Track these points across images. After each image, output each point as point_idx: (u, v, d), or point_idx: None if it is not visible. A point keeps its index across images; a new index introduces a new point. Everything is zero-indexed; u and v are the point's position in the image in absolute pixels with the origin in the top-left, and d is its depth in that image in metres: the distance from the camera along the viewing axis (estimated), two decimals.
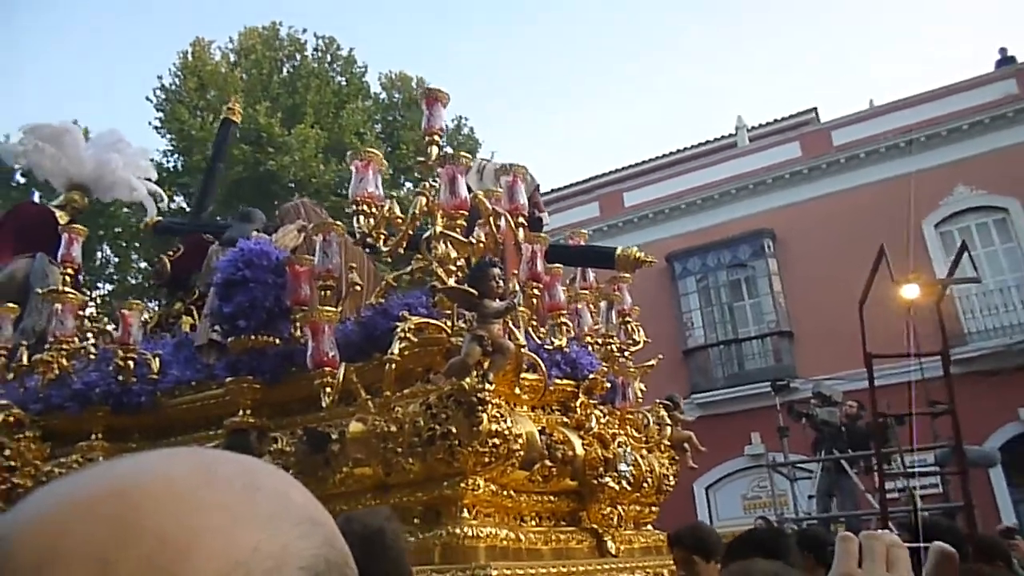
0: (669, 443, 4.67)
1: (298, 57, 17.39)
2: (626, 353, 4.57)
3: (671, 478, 4.58)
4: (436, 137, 3.82)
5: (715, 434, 15.25)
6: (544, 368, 3.68)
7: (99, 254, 16.94)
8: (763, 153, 16.92)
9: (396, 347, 3.26)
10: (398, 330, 3.31)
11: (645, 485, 4.30)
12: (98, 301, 16.37)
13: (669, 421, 4.69)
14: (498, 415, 3.24)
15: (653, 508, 4.64)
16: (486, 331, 3.18)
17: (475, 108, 57.95)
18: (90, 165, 6.04)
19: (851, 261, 14.07)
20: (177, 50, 17.44)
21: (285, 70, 17.27)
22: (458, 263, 3.52)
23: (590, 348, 4.37)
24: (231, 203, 15.96)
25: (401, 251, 3.90)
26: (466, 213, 3.50)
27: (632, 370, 4.46)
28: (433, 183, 3.69)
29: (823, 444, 10.19)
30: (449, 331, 3.40)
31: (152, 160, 16.55)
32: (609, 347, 4.45)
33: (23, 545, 0.36)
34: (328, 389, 3.41)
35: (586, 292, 4.68)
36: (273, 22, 17.48)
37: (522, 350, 3.37)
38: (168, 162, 16.83)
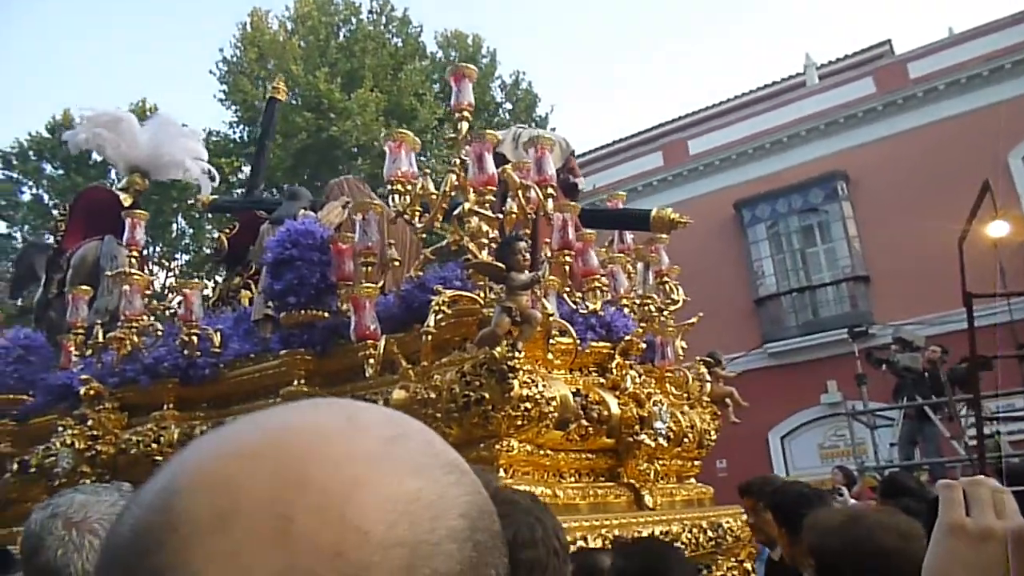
0: (710, 399, 4.80)
1: (354, 21, 17.66)
2: (665, 313, 4.68)
3: (712, 433, 4.73)
4: (465, 113, 3.97)
5: (789, 383, 15.25)
6: (575, 333, 3.85)
7: (175, 227, 17.80)
8: (834, 91, 16.40)
9: (432, 320, 3.51)
10: (433, 303, 3.53)
11: (686, 440, 4.47)
12: (176, 271, 17.27)
13: (709, 377, 4.81)
14: (529, 380, 3.46)
15: (695, 462, 4.80)
16: (514, 302, 3.39)
17: (533, 61, 57.19)
18: (146, 149, 6.48)
19: (931, 200, 13.67)
20: (236, 22, 17.90)
21: (342, 35, 17.58)
22: (489, 236, 3.70)
23: (627, 310, 4.51)
24: (297, 171, 16.50)
25: (437, 224, 4.12)
26: (495, 188, 3.67)
27: (671, 329, 4.59)
28: (463, 158, 3.86)
29: (904, 391, 10.10)
30: (482, 302, 3.60)
31: (218, 132, 17.18)
32: (647, 308, 4.58)
33: (199, 500, 0.37)
34: (371, 360, 3.67)
35: (621, 255, 4.79)
36: None
37: (551, 318, 3.55)
38: (234, 133, 17.45)
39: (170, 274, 17.33)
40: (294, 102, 16.57)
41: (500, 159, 4.72)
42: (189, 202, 16.37)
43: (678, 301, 4.80)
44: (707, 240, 16.37)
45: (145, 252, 16.69)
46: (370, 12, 17.82)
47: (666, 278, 4.82)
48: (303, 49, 16.87)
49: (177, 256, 18.22)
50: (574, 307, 4.18)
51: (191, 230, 17.92)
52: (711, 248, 16.25)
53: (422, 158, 16.37)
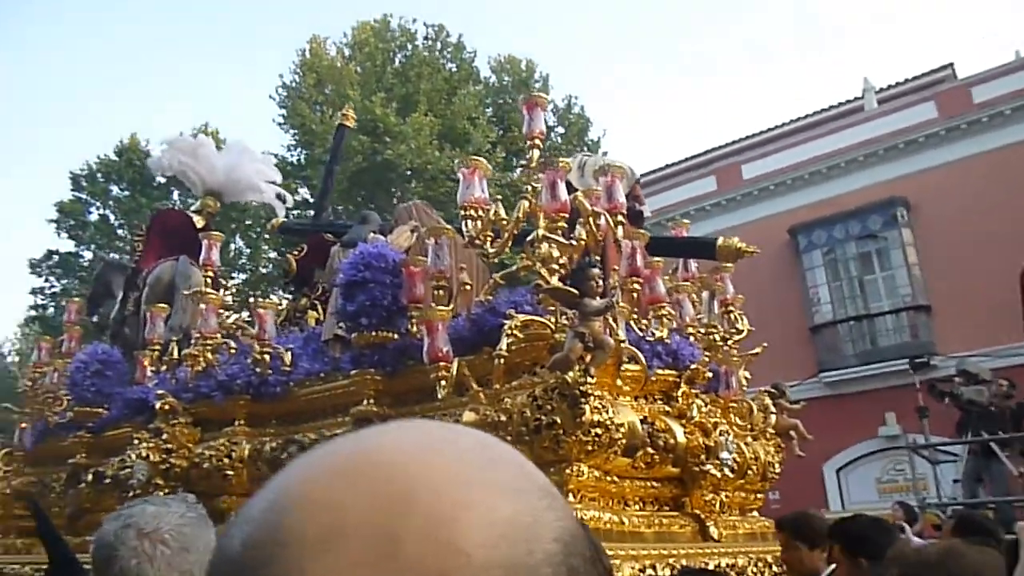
0: (774, 431, 4.78)
1: (409, 47, 18.04)
2: (729, 342, 4.69)
3: (776, 466, 4.70)
4: (537, 141, 4.07)
5: (846, 414, 14.93)
6: (644, 360, 3.89)
7: (232, 246, 18.27)
8: (894, 116, 16.15)
9: (504, 343, 3.60)
10: (506, 327, 3.62)
11: (750, 472, 4.46)
12: (233, 290, 17.70)
13: (774, 409, 4.79)
14: (600, 406, 3.51)
15: (758, 495, 4.78)
16: (587, 328, 3.45)
17: (585, 85, 57.41)
18: (221, 173, 6.77)
19: (996, 228, 13.36)
20: (296, 48, 18.45)
21: (397, 60, 17.96)
22: (560, 262, 3.77)
23: (692, 338, 4.53)
24: (352, 193, 16.85)
25: (507, 250, 4.21)
26: (566, 215, 3.74)
27: (736, 359, 4.60)
28: (535, 185, 3.95)
29: (969, 425, 9.77)
30: (553, 327, 3.67)
31: (276, 155, 17.67)
32: (712, 337, 4.60)
33: (305, 518, 0.38)
34: (443, 382, 3.76)
35: (687, 283, 4.83)
36: (384, 15, 18.22)
37: (622, 344, 3.60)
38: (292, 156, 17.90)
39: (227, 293, 17.77)
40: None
41: (566, 187, 4.81)
42: (247, 223, 16.85)
43: (742, 330, 4.81)
44: (761, 266, 16.15)
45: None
46: (425, 38, 18.21)
47: (731, 307, 4.83)
48: (360, 75, 17.28)
49: (234, 275, 18.69)
50: (641, 334, 4.22)
51: (248, 250, 18.39)
52: (765, 274, 16.07)
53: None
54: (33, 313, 19.75)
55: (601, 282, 3.56)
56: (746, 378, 4.87)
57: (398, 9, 18.31)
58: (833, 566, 3.22)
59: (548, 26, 55.53)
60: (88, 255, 18.45)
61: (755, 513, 4.83)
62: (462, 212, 3.96)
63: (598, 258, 4.11)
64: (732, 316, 4.82)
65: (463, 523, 0.38)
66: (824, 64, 56.88)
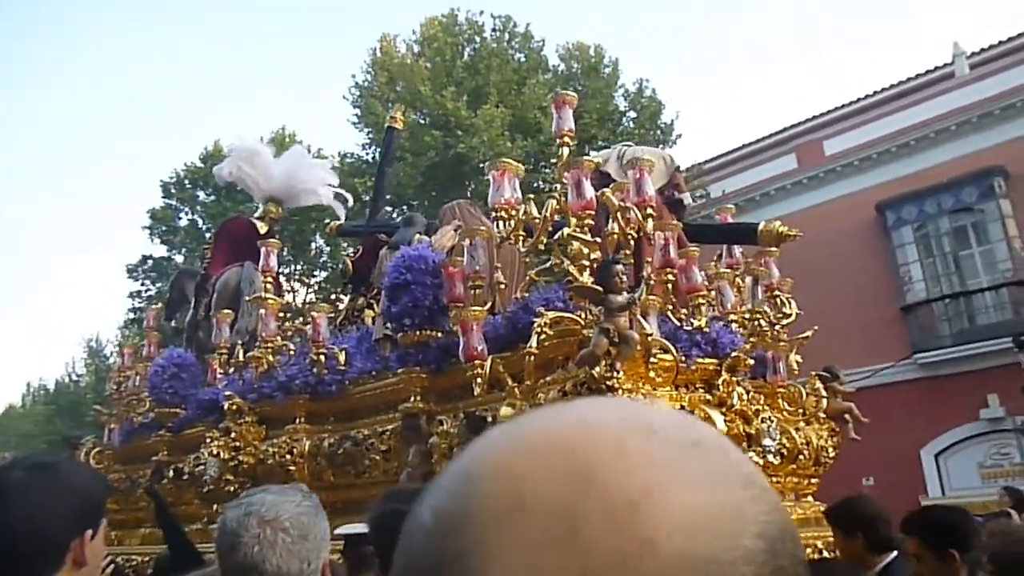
0: (827, 415, 4.73)
1: (477, 40, 18.20)
2: (777, 327, 4.67)
3: (830, 450, 4.66)
4: (567, 139, 4.16)
5: (943, 397, 14.38)
6: (680, 349, 3.94)
7: (314, 245, 18.94)
8: (988, 81, 15.36)
9: (534, 341, 3.73)
10: (536, 325, 3.75)
11: (801, 457, 4.44)
12: (316, 288, 18.38)
13: (826, 393, 4.74)
14: (629, 398, 3.58)
15: (812, 480, 4.75)
16: (612, 324, 3.55)
17: (657, 67, 56.38)
18: (280, 180, 7.12)
19: None
20: (367, 48, 18.92)
21: (466, 54, 18.16)
22: (590, 258, 3.86)
23: (735, 326, 4.54)
24: (427, 188, 17.19)
25: (542, 246, 4.33)
26: (592, 212, 3.83)
27: (784, 344, 4.58)
28: (564, 183, 4.05)
29: None
30: (582, 323, 3.77)
31: (351, 154, 18.13)
32: (757, 323, 4.59)
33: (491, 491, 0.38)
34: (479, 380, 3.92)
35: (728, 271, 4.82)
36: (451, 9, 18.41)
37: (649, 337, 3.67)
38: (366, 154, 18.38)
39: (310, 291, 18.48)
40: (422, 121, 17.28)
41: (606, 178, 4.89)
42: (325, 222, 17.45)
43: (790, 315, 4.77)
44: (846, 245, 15.74)
45: (287, 270, 17.85)
46: (493, 30, 18.33)
47: (777, 292, 4.80)
48: (430, 70, 17.57)
49: (316, 273, 19.39)
50: (678, 324, 4.27)
51: (328, 248, 19.02)
52: (850, 253, 15.60)
53: (547, 170, 16.68)
54: (131, 316, 21.05)
55: (625, 278, 3.63)
56: (798, 362, 4.83)
57: (465, 3, 18.45)
58: (892, 556, 3.14)
59: (616, 9, 54.80)
60: (179, 259, 19.51)
61: (810, 498, 4.80)
62: (494, 213, 4.11)
63: (628, 252, 4.17)
64: (778, 301, 4.79)
65: (650, 509, 0.36)
66: (910, 31, 54.10)
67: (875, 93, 17.58)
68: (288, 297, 18.94)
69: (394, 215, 18.64)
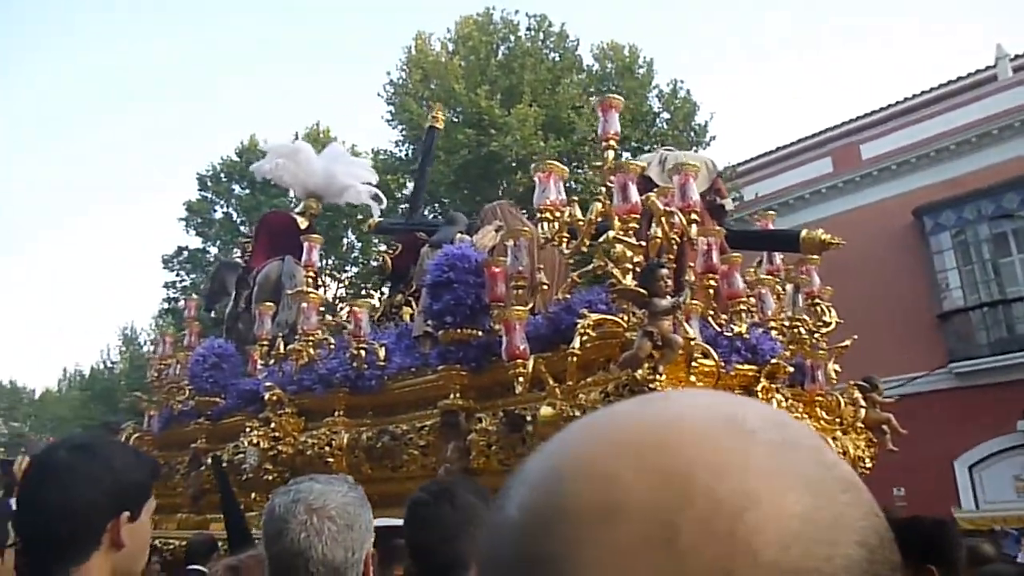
0: (864, 425, 4.72)
1: (512, 39, 18.25)
2: (816, 335, 4.67)
3: (867, 460, 4.66)
4: (612, 142, 4.20)
5: (979, 407, 14.17)
6: (720, 355, 3.96)
7: (345, 240, 19.12)
8: None
9: (577, 342, 3.76)
10: (579, 326, 3.79)
11: None
12: (346, 283, 18.56)
13: (864, 403, 4.73)
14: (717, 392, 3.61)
15: None
16: (656, 327, 3.58)
17: (692, 67, 55.99)
18: (320, 176, 7.24)
19: None
20: (402, 46, 19.06)
21: (500, 52, 18.22)
22: (633, 261, 3.90)
23: (774, 333, 4.55)
24: (459, 185, 17.27)
25: (584, 248, 4.36)
26: (638, 216, 3.86)
27: (823, 352, 4.58)
28: (609, 186, 4.09)
29: None
30: (625, 326, 3.81)
31: (384, 151, 18.29)
32: (796, 330, 4.60)
33: (584, 490, 0.37)
34: (521, 378, 3.97)
35: (769, 277, 4.83)
36: (487, 8, 18.48)
37: (692, 341, 3.70)
38: (400, 151, 18.52)
39: (340, 285, 18.65)
40: (456, 120, 17.36)
41: (647, 183, 4.91)
42: (358, 218, 17.59)
43: (830, 323, 4.77)
44: (881, 250, 15.56)
45: (319, 264, 18.05)
46: (528, 29, 18.36)
47: (817, 299, 4.80)
48: (464, 68, 17.64)
49: (347, 268, 19.56)
50: (719, 330, 4.29)
51: (360, 244, 19.20)
52: (886, 259, 15.42)
53: (579, 170, 16.69)
54: (166, 306, 21.42)
55: (670, 282, 3.66)
56: (836, 371, 4.83)
57: (500, 2, 18.50)
58: None
59: (651, 9, 54.49)
60: (214, 251, 19.81)
61: None
62: (539, 215, 4.15)
63: (672, 256, 4.20)
64: (819, 309, 4.79)
65: (751, 516, 0.35)
66: (952, 32, 53.17)
67: (914, 96, 17.36)
68: (320, 291, 19.18)
69: (426, 213, 18.80)
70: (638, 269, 3.87)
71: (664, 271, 3.63)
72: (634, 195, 3.87)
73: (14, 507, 3.03)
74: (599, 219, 4.12)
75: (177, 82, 68.04)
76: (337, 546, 1.48)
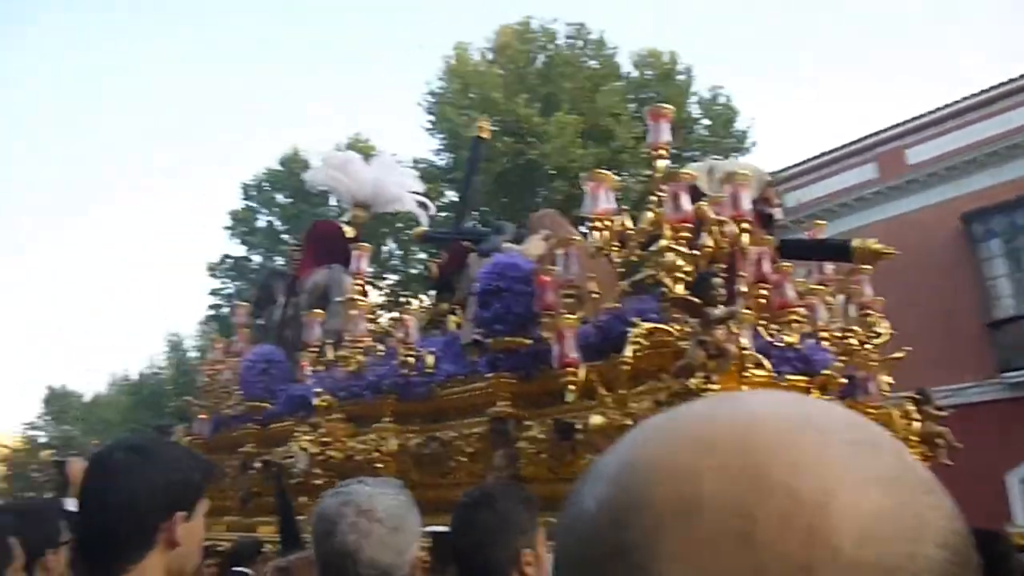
0: (918, 438, 4.65)
1: (551, 47, 18.37)
2: (868, 346, 4.62)
3: None
4: (662, 151, 4.21)
5: None
6: (772, 366, 3.95)
7: (384, 248, 19.32)
8: None
9: (628, 351, 3.78)
10: (631, 335, 3.80)
11: None
12: (387, 291, 18.74)
13: (918, 416, 4.66)
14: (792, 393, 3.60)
15: None
16: (709, 336, 3.57)
17: (732, 72, 55.55)
18: (369, 186, 7.38)
19: None
20: (441, 56, 19.26)
21: (539, 61, 18.34)
22: (684, 271, 3.90)
23: (826, 344, 4.51)
24: (498, 194, 17.37)
25: (635, 258, 4.38)
26: (690, 225, 3.87)
27: (874, 363, 4.53)
28: (660, 195, 4.10)
29: None
30: (677, 335, 3.81)
31: (424, 160, 18.46)
32: (848, 341, 4.56)
33: (663, 485, 0.37)
34: (571, 387, 3.99)
35: (820, 287, 4.79)
36: (525, 17, 18.63)
37: (745, 351, 3.69)
38: (440, 160, 18.68)
39: (380, 293, 18.85)
40: (495, 128, 17.48)
41: (695, 192, 4.91)
42: (397, 226, 17.76)
43: (882, 334, 4.72)
44: (928, 257, 15.28)
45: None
46: (567, 37, 18.47)
47: (869, 310, 4.75)
48: (503, 77, 17.78)
49: (387, 276, 19.77)
50: (770, 340, 4.27)
51: (400, 252, 19.40)
52: (932, 266, 15.15)
53: (617, 177, 16.67)
54: (211, 313, 21.84)
55: (723, 291, 3.66)
56: (889, 384, 4.78)
57: (539, 10, 18.65)
58: None
59: (690, 15, 54.20)
60: (257, 258, 20.17)
61: None
62: (588, 224, 4.18)
63: (723, 266, 4.19)
64: (871, 319, 4.74)
65: (829, 512, 0.35)
66: (1000, 33, 52.03)
67: (962, 99, 17.03)
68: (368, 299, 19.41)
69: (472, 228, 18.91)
70: (689, 279, 3.88)
71: (717, 280, 3.63)
72: (686, 204, 3.88)
73: (68, 507, 3.13)
74: (651, 228, 4.13)
75: (224, 94, 69.42)
76: (385, 548, 1.50)
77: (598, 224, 4.13)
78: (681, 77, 17.98)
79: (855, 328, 4.72)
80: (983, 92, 17.18)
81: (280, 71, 68.28)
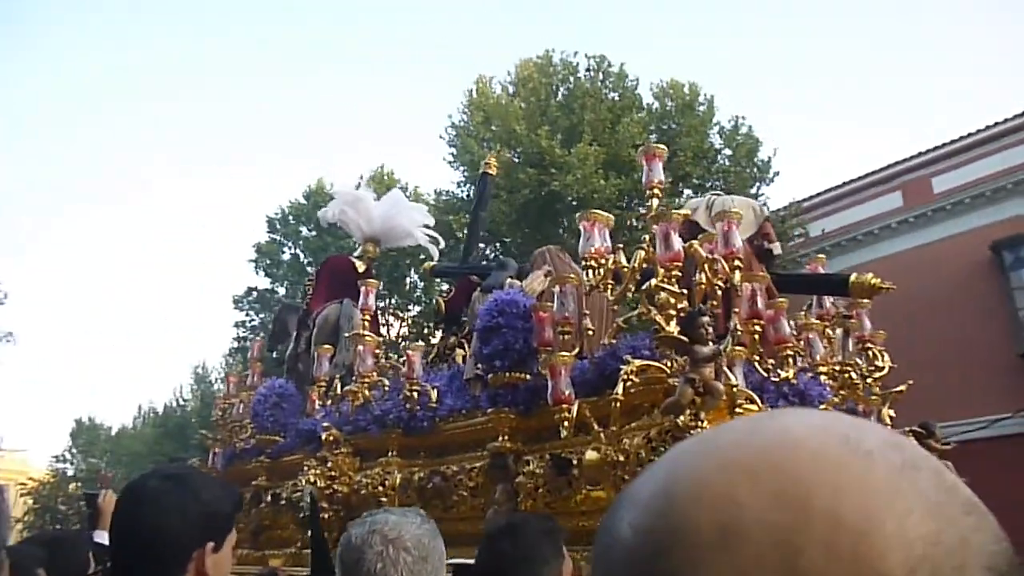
0: None
1: (572, 80, 18.58)
2: (868, 380, 4.64)
3: None
4: (656, 190, 4.31)
5: None
6: (760, 401, 4.00)
7: (408, 280, 19.53)
8: None
9: (620, 388, 3.85)
10: (623, 372, 3.88)
11: None
12: (409, 322, 18.90)
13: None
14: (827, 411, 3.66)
15: None
16: (697, 374, 3.65)
17: (754, 103, 55.58)
18: (379, 222, 7.59)
19: None
20: (463, 89, 19.58)
21: (560, 94, 18.55)
22: (677, 308, 3.98)
23: (824, 378, 4.54)
24: (520, 224, 17.53)
25: (629, 296, 4.46)
26: (680, 264, 3.95)
27: (875, 397, 4.54)
28: (653, 234, 4.18)
29: None
30: (668, 372, 3.88)
31: (446, 191, 18.68)
32: (847, 375, 4.58)
33: (699, 512, 0.37)
34: (566, 423, 4.07)
35: (818, 322, 4.83)
36: (546, 50, 18.92)
37: (734, 388, 3.74)
38: (461, 192, 18.91)
39: (403, 324, 19.02)
40: (517, 160, 17.69)
41: (694, 228, 5.00)
42: (420, 258, 17.99)
43: (883, 368, 4.74)
44: (955, 287, 15.14)
45: (382, 304, 18.46)
46: (587, 70, 18.65)
47: (869, 344, 4.78)
48: (524, 109, 17.99)
49: (410, 307, 19.95)
50: (765, 375, 4.31)
51: (422, 283, 19.59)
52: (959, 296, 14.98)
53: (641, 207, 16.76)
54: (236, 345, 22.18)
55: (711, 329, 3.72)
56: (891, 416, 4.78)
57: (560, 44, 18.91)
58: None
59: (711, 46, 54.45)
60: (281, 291, 20.50)
61: None
62: (584, 262, 4.28)
63: (715, 304, 4.25)
64: (871, 353, 4.76)
65: (874, 538, 0.34)
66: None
67: (989, 127, 16.93)
68: (383, 330, 19.63)
69: (487, 252, 19.08)
70: (681, 316, 3.95)
71: (705, 319, 3.70)
72: (676, 243, 3.96)
73: (97, 540, 3.23)
74: (644, 266, 4.21)
75: (251, 130, 70.87)
76: None
77: (592, 263, 4.23)
78: (702, 108, 18.07)
79: (855, 361, 4.74)
80: (1010, 119, 17.07)
81: (306, 105, 69.75)
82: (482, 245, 19.33)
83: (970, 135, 17.13)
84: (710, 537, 0.36)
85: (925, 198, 16.62)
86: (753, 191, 17.56)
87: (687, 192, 17.95)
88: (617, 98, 18.34)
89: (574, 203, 17.18)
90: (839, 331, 4.91)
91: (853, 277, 4.63)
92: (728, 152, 17.83)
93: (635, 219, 15.86)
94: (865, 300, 4.75)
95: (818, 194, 18.72)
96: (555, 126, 17.70)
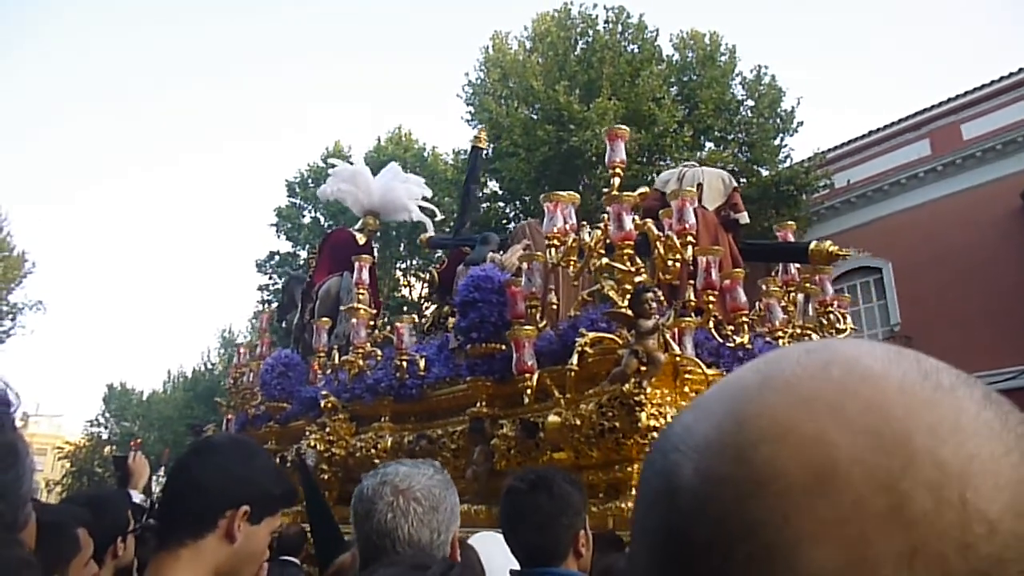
0: None
1: (590, 33, 18.64)
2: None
3: None
4: (618, 170, 4.70)
5: None
6: (715, 367, 4.43)
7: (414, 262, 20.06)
8: None
9: (575, 358, 4.30)
10: (577, 344, 4.33)
11: None
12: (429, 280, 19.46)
13: None
14: (658, 412, 4.13)
15: None
16: (641, 346, 4.08)
17: (779, 51, 54.38)
18: (377, 195, 8.04)
19: None
20: (479, 46, 19.77)
21: (579, 48, 18.65)
22: (634, 282, 4.40)
23: (783, 342, 4.94)
24: (540, 182, 17.85)
25: (588, 272, 4.88)
26: (631, 243, 4.36)
27: None
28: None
29: None
30: (620, 342, 4.32)
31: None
32: (807, 338, 4.97)
33: (786, 455, 0.34)
34: (528, 391, 4.54)
35: (777, 289, 5.20)
36: (564, 3, 18.93)
37: (678, 358, 4.18)
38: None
39: (425, 284, 19.60)
40: (535, 116, 17.92)
41: (664, 200, 5.37)
42: (436, 219, 18.50)
43: (845, 330, 5.11)
44: (984, 235, 15.19)
45: (403, 265, 18.96)
46: (606, 22, 18.68)
47: (829, 308, 5.14)
48: (542, 65, 18.17)
49: (432, 267, 20.50)
50: (721, 341, 4.73)
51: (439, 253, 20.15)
52: (988, 244, 15.04)
53: (661, 162, 17.00)
54: (259, 308, 22.99)
55: (655, 304, 4.14)
56: None
57: None
58: None
59: None
60: (303, 254, 21.16)
61: None
62: (546, 241, 4.71)
63: (670, 277, 4.65)
64: (831, 317, 5.13)
65: (980, 481, 0.32)
66: None
67: (1020, 71, 16.72)
68: (406, 291, 20.23)
69: (507, 210, 19.46)
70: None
71: (649, 295, 4.12)
72: (628, 223, 4.38)
73: (133, 499, 3.69)
74: (600, 246, 4.63)
75: (268, 92, 71.36)
76: (423, 527, 1.55)
77: (555, 242, 4.66)
78: (724, 58, 18.08)
79: (815, 324, 5.12)
80: None
81: (323, 69, 69.94)
82: (502, 204, 19.72)
83: (1000, 79, 16.95)
84: (803, 481, 0.33)
85: (954, 146, 16.56)
86: (776, 142, 17.63)
87: (709, 145, 18.07)
88: (636, 51, 18.41)
89: (594, 159, 17.42)
90: (800, 296, 5.28)
91: (812, 245, 4.99)
92: (751, 103, 17.86)
93: (657, 173, 16.13)
94: (826, 266, 5.10)
95: (843, 144, 18.71)
96: (573, 81, 17.86)
